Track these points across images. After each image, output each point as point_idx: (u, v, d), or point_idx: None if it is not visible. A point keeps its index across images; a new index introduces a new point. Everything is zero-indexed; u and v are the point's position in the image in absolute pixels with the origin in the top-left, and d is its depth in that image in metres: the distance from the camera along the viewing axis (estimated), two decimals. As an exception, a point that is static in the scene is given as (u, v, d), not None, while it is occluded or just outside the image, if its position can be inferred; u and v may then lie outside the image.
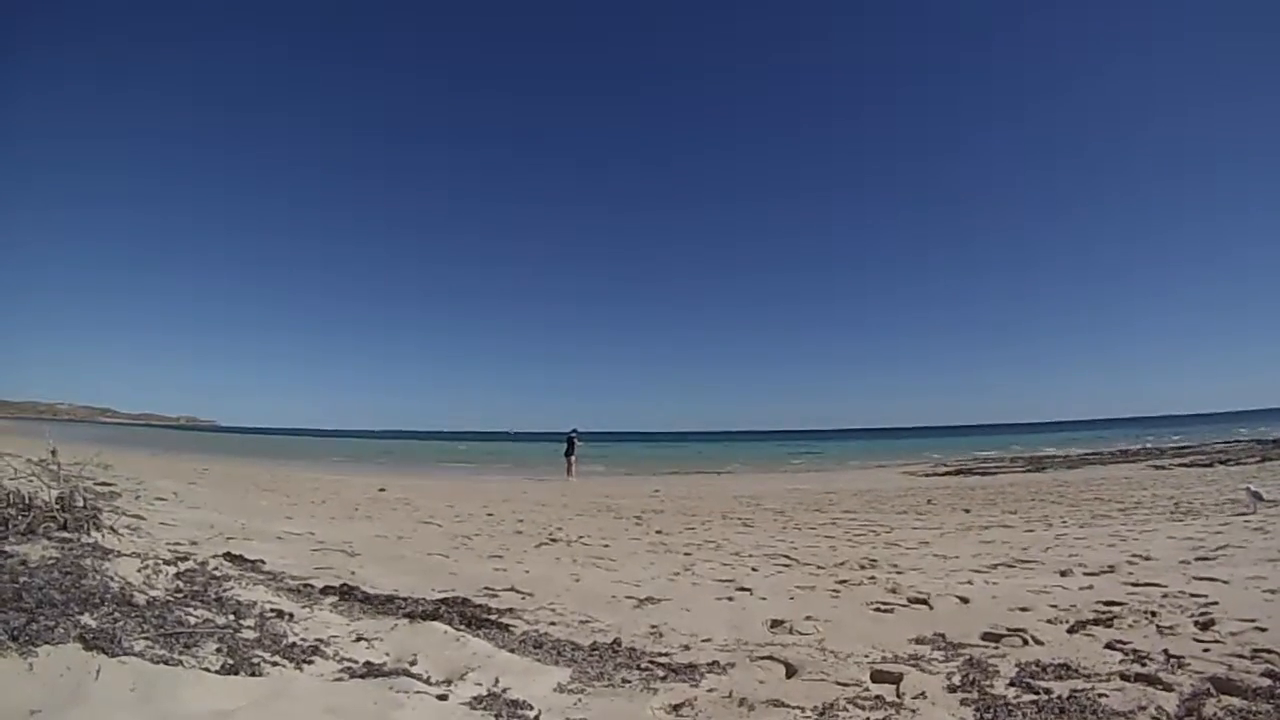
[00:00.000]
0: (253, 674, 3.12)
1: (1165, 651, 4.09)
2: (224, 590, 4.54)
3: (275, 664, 3.32)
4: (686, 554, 8.73)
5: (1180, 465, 23.63)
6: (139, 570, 4.50)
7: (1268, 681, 3.49)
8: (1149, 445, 37.16)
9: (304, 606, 4.59)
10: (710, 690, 3.73)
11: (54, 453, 6.77)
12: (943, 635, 4.79)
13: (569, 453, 29.60)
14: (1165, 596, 5.58)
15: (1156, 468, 23.56)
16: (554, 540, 9.76)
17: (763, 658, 4.31)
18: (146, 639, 3.24)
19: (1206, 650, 4.08)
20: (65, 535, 5.22)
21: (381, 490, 17.44)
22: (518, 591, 6.22)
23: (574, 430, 30.41)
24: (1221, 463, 23.15)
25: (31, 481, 5.85)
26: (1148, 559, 7.35)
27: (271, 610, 4.19)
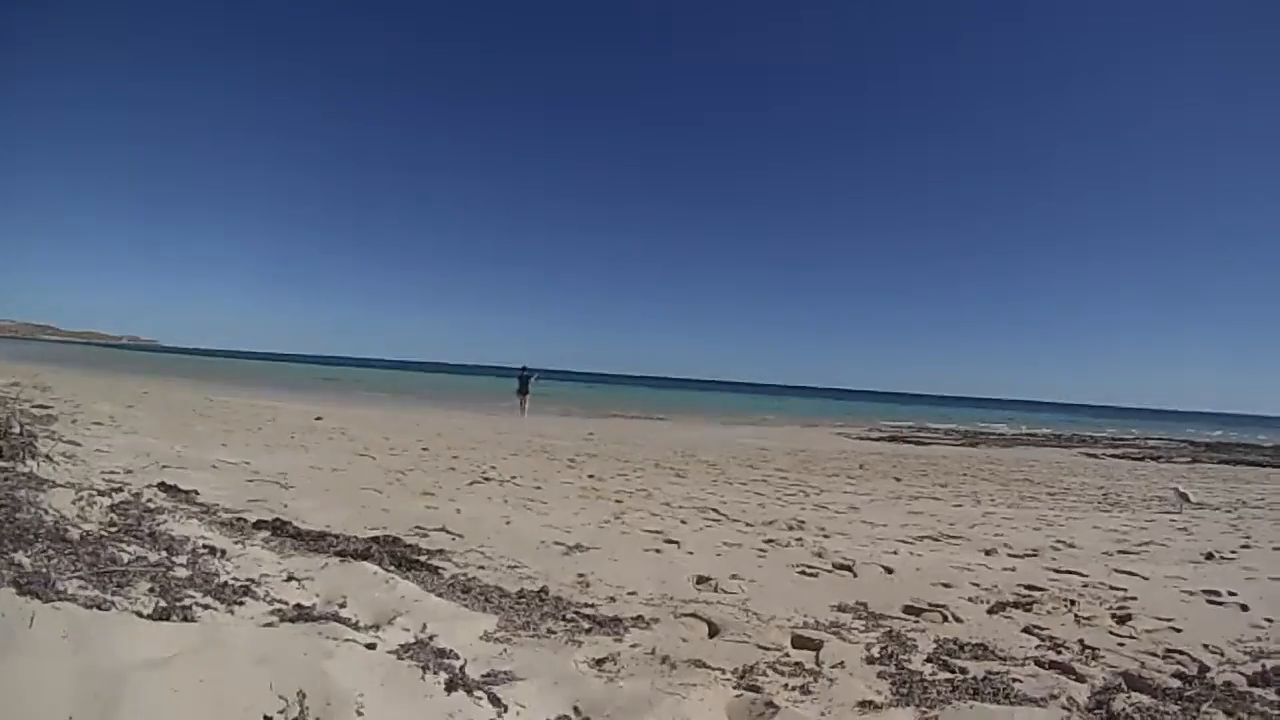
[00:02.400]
0: (185, 619, 2.99)
1: (1081, 641, 4.11)
2: (157, 524, 4.42)
3: (207, 607, 3.19)
4: (617, 501, 8.68)
5: (1112, 456, 24.23)
6: (73, 502, 4.40)
7: (1177, 683, 3.50)
8: (1081, 433, 38.02)
9: (236, 542, 4.48)
10: (634, 646, 3.66)
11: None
12: (865, 605, 4.78)
13: (522, 390, 29.10)
14: (1086, 586, 5.64)
15: (1089, 455, 24.14)
16: (487, 479, 9.65)
17: (687, 615, 4.25)
18: (80, 578, 3.14)
19: (1121, 644, 4.10)
20: (0, 464, 5.08)
21: (318, 419, 17.18)
22: (448, 532, 6.12)
23: (524, 368, 29.79)
24: (1153, 459, 23.82)
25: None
26: (1072, 546, 7.46)
27: (204, 546, 4.10)
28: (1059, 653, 3.92)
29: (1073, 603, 5.06)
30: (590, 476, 10.94)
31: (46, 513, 3.94)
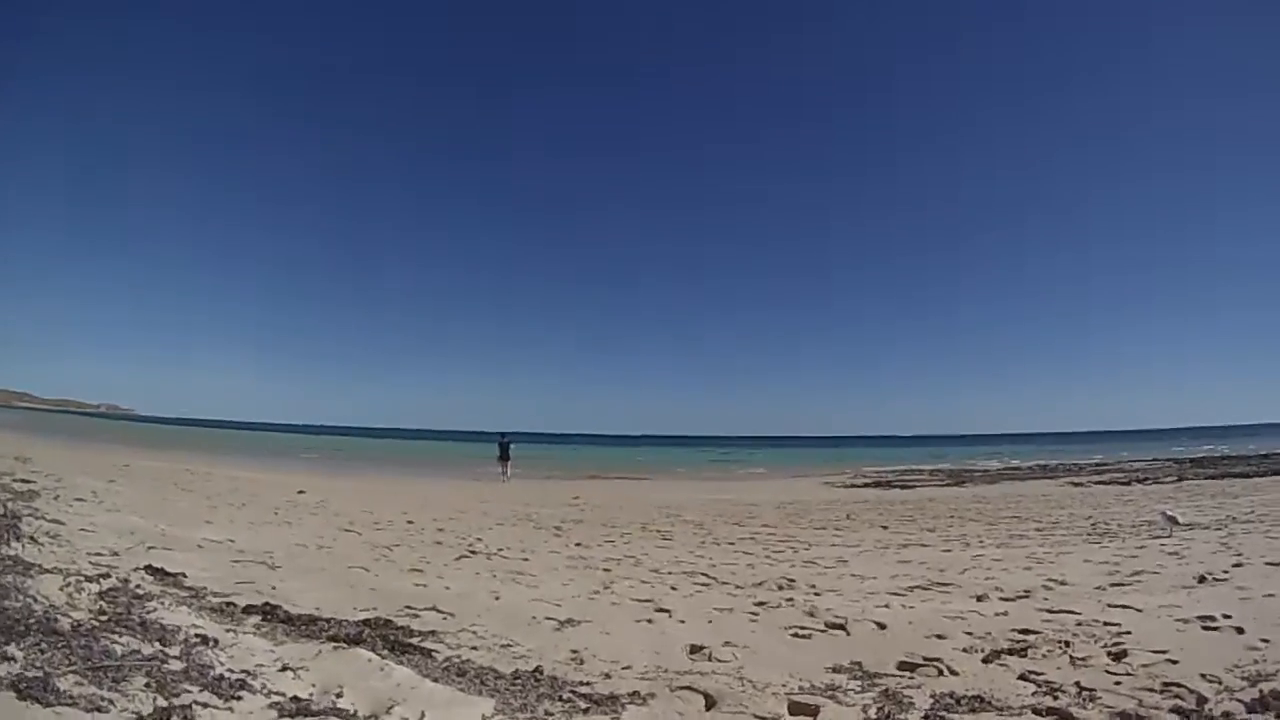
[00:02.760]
0: (185, 718, 2.98)
1: (1077, 684, 4.10)
2: (148, 613, 4.35)
3: (206, 705, 3.17)
4: (606, 570, 8.63)
5: (1099, 483, 24.41)
6: (61, 588, 4.39)
7: (1175, 717, 3.51)
8: (1066, 462, 38.17)
9: (228, 630, 4.42)
10: (631, 723, 3.65)
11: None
12: (859, 664, 4.75)
13: (503, 456, 30.19)
14: (1080, 624, 5.63)
15: (1075, 484, 24.28)
16: (474, 552, 9.57)
17: (682, 688, 4.21)
18: (75, 673, 3.12)
19: (1118, 683, 4.10)
20: None
21: (301, 493, 16.95)
22: (439, 611, 6.03)
23: (503, 434, 31.17)
24: (1139, 481, 24.01)
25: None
26: (1063, 583, 7.47)
27: (196, 636, 4.04)
28: (1056, 698, 3.91)
29: (1067, 644, 5.05)
30: (577, 544, 10.90)
31: (35, 600, 3.96)
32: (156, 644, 3.77)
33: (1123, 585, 7.26)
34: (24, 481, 10.93)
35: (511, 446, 30.77)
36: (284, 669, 3.87)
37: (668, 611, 6.40)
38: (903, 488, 25.81)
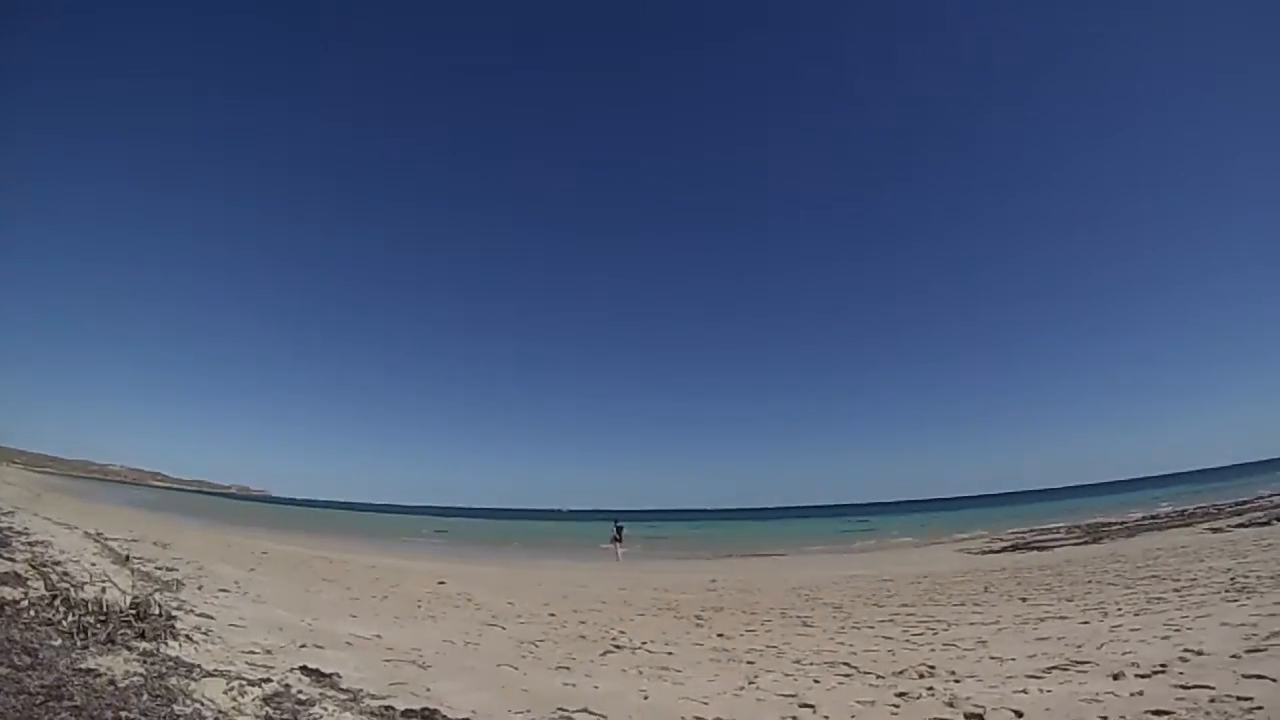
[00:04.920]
0: None
1: (1206, 771, 4.34)
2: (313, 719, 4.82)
3: None
4: (749, 662, 8.98)
5: (1238, 526, 23.26)
6: (225, 692, 4.86)
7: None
8: (1203, 506, 36.51)
9: None
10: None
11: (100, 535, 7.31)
12: (998, 757, 5.05)
13: (616, 538, 34.35)
14: (1212, 701, 5.76)
15: (1214, 530, 23.20)
16: (618, 647, 10.05)
17: (830, 788, 4.62)
18: None
19: (1244, 767, 4.31)
20: (144, 645, 5.63)
21: (441, 584, 17.77)
22: (591, 713, 6.45)
23: (615, 520, 36.07)
24: (1279, 519, 22.83)
25: (100, 572, 6.21)
26: (1199, 653, 7.48)
27: None
28: None
29: None
30: (719, 635, 11.25)
31: (204, 705, 4.39)
32: (328, 755, 4.20)
33: (1258, 651, 7.22)
34: (168, 569, 11.85)
35: (624, 530, 34.80)
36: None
37: (811, 707, 6.74)
38: (1040, 549, 25.07)
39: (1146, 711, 5.72)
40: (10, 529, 12.07)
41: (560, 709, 6.54)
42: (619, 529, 34.93)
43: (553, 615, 13.21)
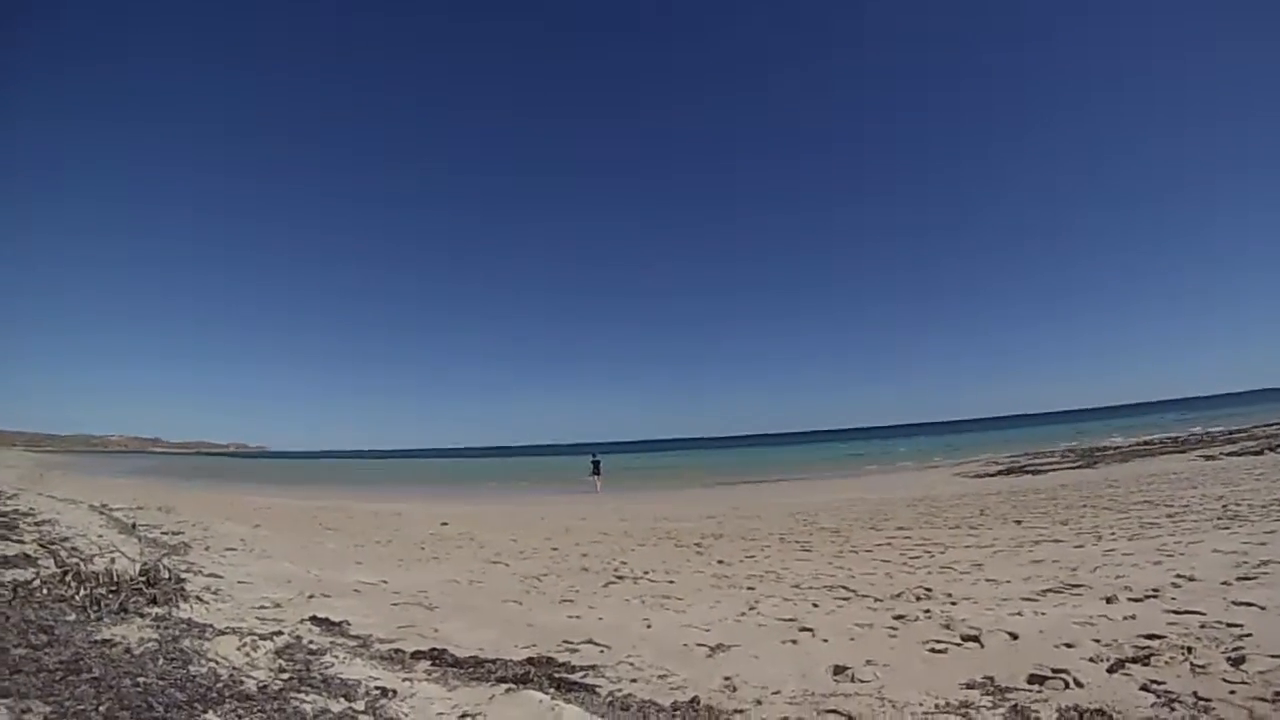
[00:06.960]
0: None
1: (1195, 694, 4.40)
2: (325, 668, 4.86)
3: None
4: (750, 588, 9.13)
5: (1230, 454, 23.46)
6: (238, 649, 4.93)
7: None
8: (1196, 432, 36.72)
9: (404, 679, 4.91)
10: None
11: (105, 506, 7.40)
12: (991, 678, 5.15)
13: (595, 472, 36.81)
14: (1203, 627, 5.86)
15: (1206, 458, 23.38)
16: (620, 578, 10.24)
17: (828, 711, 4.71)
18: None
19: (1233, 692, 4.38)
20: (157, 611, 5.71)
21: (444, 525, 18.02)
22: (595, 644, 6.56)
23: (594, 453, 38.74)
24: (1272, 449, 22.92)
25: (108, 543, 6.30)
26: (1191, 579, 7.61)
27: (376, 689, 4.49)
28: (1173, 709, 4.23)
29: (1189, 650, 5.30)
30: (719, 562, 11.44)
31: (219, 664, 4.45)
32: (342, 700, 4.21)
33: (1249, 579, 7.34)
34: (173, 533, 11.99)
35: (600, 463, 37.34)
36: (464, 716, 4.29)
37: (811, 630, 6.87)
38: (1034, 473, 25.37)
39: (1138, 635, 5.82)
40: (16, 511, 12.11)
41: (565, 641, 6.66)
42: (596, 463, 37.13)
43: (555, 549, 13.43)
